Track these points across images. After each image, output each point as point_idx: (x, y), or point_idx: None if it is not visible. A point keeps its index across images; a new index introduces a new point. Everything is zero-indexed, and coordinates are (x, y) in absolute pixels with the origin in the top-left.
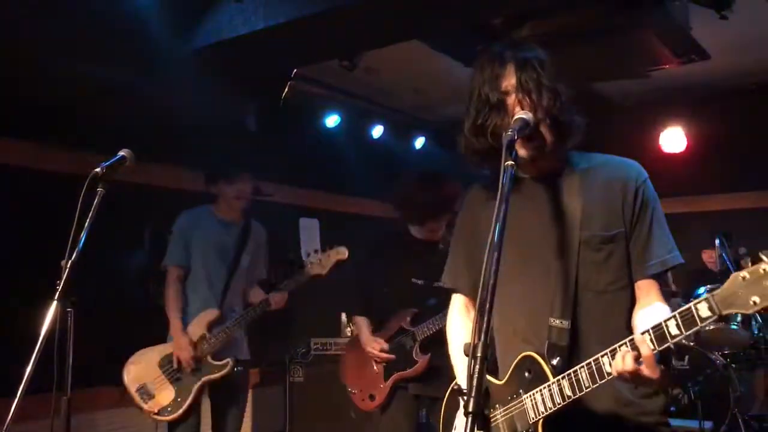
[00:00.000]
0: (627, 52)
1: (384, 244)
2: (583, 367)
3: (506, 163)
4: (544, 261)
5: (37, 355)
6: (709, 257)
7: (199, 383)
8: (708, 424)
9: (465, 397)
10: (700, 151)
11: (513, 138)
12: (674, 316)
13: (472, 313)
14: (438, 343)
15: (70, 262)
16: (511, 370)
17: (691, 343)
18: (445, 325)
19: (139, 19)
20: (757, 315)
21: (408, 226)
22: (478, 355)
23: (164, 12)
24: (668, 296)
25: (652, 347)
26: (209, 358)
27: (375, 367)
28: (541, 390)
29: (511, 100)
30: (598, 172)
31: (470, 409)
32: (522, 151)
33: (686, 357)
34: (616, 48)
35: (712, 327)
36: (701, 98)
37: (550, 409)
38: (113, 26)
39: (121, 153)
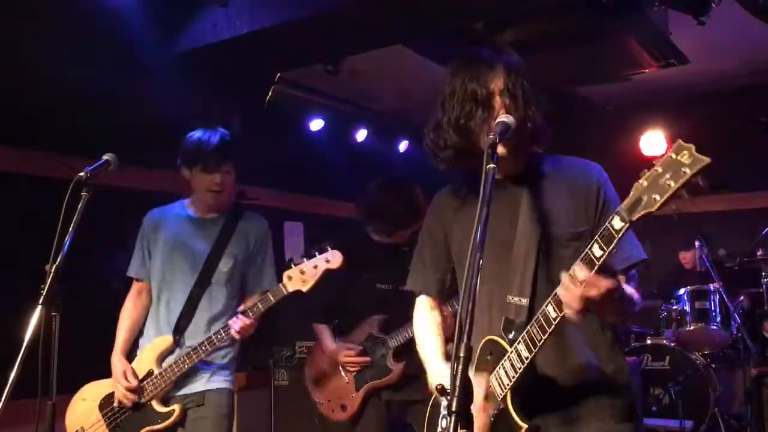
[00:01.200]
0: (608, 57)
1: (347, 249)
2: (532, 324)
3: (488, 167)
4: (509, 254)
5: (21, 360)
6: (684, 258)
7: None
8: (688, 424)
9: (448, 397)
10: None
11: (495, 141)
12: (595, 240)
13: (436, 313)
14: (411, 350)
15: (54, 266)
16: (477, 358)
17: (672, 344)
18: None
19: (123, 23)
20: (736, 315)
21: (369, 231)
22: (461, 355)
23: (148, 16)
24: (647, 297)
25: (587, 271)
26: (154, 403)
27: (344, 376)
28: (502, 363)
29: (497, 101)
30: (563, 174)
31: (453, 409)
32: (499, 149)
33: (667, 357)
34: (597, 52)
35: (692, 327)
36: (681, 102)
37: (513, 377)
38: (97, 30)
39: (105, 157)
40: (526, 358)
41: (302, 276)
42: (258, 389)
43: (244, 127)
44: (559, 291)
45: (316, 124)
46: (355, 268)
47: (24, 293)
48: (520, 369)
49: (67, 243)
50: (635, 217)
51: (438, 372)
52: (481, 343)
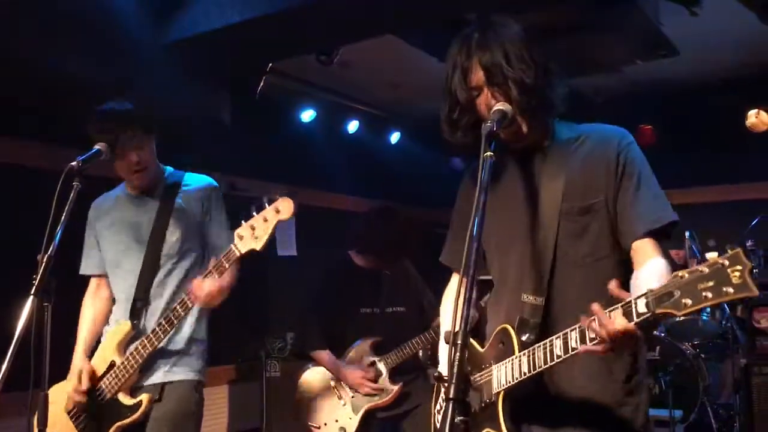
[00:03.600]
0: (598, 48)
1: (336, 274)
2: (540, 346)
3: (485, 155)
4: (524, 236)
5: (13, 351)
6: (677, 255)
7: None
8: (678, 413)
9: (445, 384)
10: (669, 146)
11: (492, 129)
12: (617, 307)
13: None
14: (405, 370)
15: (46, 257)
16: (490, 340)
17: (662, 334)
18: (410, 353)
19: (113, 12)
20: (725, 306)
21: (351, 256)
22: (459, 342)
23: (138, 4)
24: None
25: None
26: (121, 396)
27: (341, 399)
28: (506, 363)
29: (483, 95)
30: (581, 143)
31: (451, 395)
32: (502, 135)
33: (657, 347)
34: (588, 44)
35: (682, 318)
36: (671, 93)
37: (511, 382)
38: (86, 19)
39: (97, 147)
40: (524, 374)
41: (253, 232)
42: (249, 381)
43: (235, 117)
44: (592, 327)
45: (308, 115)
46: (343, 293)
47: (15, 284)
48: (517, 379)
49: (59, 233)
50: (659, 311)
51: (444, 360)
52: (497, 329)
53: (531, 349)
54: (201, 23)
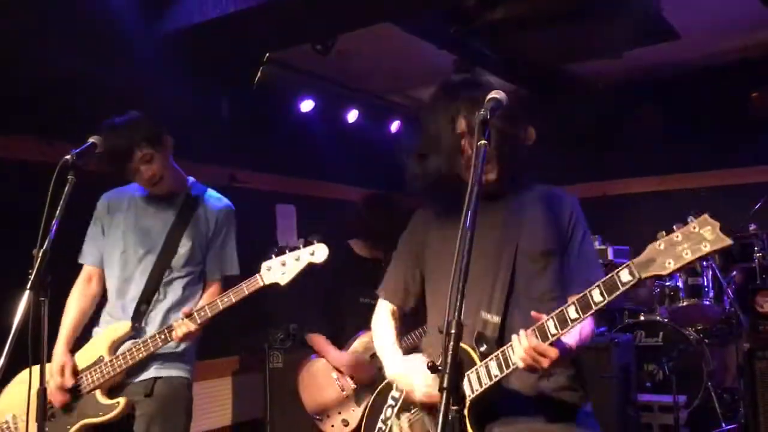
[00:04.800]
0: (599, 33)
1: (336, 262)
2: (492, 357)
3: (480, 143)
4: (485, 266)
5: (10, 346)
6: None
7: (75, 426)
8: (682, 399)
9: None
10: (670, 131)
11: (486, 117)
12: (598, 285)
13: (394, 318)
14: None
15: (42, 251)
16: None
17: (666, 320)
18: (411, 345)
19: (106, 4)
20: (729, 291)
21: (351, 245)
22: (452, 332)
23: None
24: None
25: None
26: (98, 393)
27: (344, 391)
28: (469, 373)
29: (466, 141)
30: (540, 197)
31: (444, 385)
32: (488, 175)
33: (660, 333)
34: (588, 29)
35: (685, 303)
36: (672, 79)
37: (477, 390)
38: (79, 11)
39: (91, 140)
40: (495, 377)
41: (283, 268)
42: (252, 372)
43: (233, 109)
44: (510, 351)
45: (307, 105)
46: (346, 282)
47: (11, 279)
48: (485, 385)
49: (54, 227)
50: (645, 275)
51: (392, 362)
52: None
53: (484, 362)
54: (196, 14)
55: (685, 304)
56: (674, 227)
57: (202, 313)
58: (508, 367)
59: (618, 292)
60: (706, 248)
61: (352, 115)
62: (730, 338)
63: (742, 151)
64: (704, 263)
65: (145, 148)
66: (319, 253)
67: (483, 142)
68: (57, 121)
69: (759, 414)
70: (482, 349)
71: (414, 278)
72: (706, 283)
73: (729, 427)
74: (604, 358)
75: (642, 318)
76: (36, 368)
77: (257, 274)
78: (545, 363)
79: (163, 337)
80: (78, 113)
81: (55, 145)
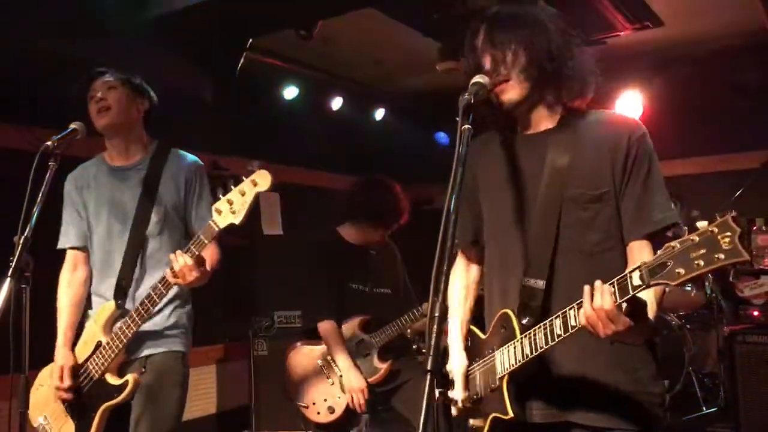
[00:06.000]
0: (581, 19)
1: (324, 247)
2: (540, 327)
3: (462, 128)
4: (526, 219)
5: None
6: None
7: (98, 413)
8: (664, 383)
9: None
10: (654, 118)
11: (469, 102)
12: (612, 283)
13: (470, 270)
14: (395, 349)
15: (23, 238)
16: (492, 325)
17: None
18: (398, 332)
19: None
20: (710, 275)
21: (339, 231)
22: (436, 314)
23: None
24: None
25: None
26: (108, 376)
27: (329, 378)
28: (508, 347)
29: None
30: (591, 129)
31: (429, 368)
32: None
33: None
34: (570, 15)
35: (667, 290)
36: (655, 65)
37: (514, 365)
38: None
39: (73, 126)
40: (527, 356)
41: (231, 207)
42: (237, 360)
43: (216, 95)
44: (585, 307)
45: (290, 92)
46: (339, 268)
47: None
48: (520, 362)
49: (35, 214)
50: (653, 283)
51: (454, 358)
52: (498, 314)
53: (531, 330)
54: None
55: (668, 289)
56: (697, 224)
57: (190, 252)
58: (567, 330)
59: (628, 296)
60: (720, 261)
61: (336, 103)
62: (711, 323)
63: (724, 137)
64: None
65: (115, 77)
66: (261, 180)
67: (467, 126)
68: (38, 107)
69: (738, 397)
70: (525, 321)
71: (477, 216)
72: None
73: (709, 410)
74: None
75: None
76: (47, 369)
77: (210, 220)
78: (609, 330)
79: (153, 297)
80: (60, 98)
81: (35, 131)
